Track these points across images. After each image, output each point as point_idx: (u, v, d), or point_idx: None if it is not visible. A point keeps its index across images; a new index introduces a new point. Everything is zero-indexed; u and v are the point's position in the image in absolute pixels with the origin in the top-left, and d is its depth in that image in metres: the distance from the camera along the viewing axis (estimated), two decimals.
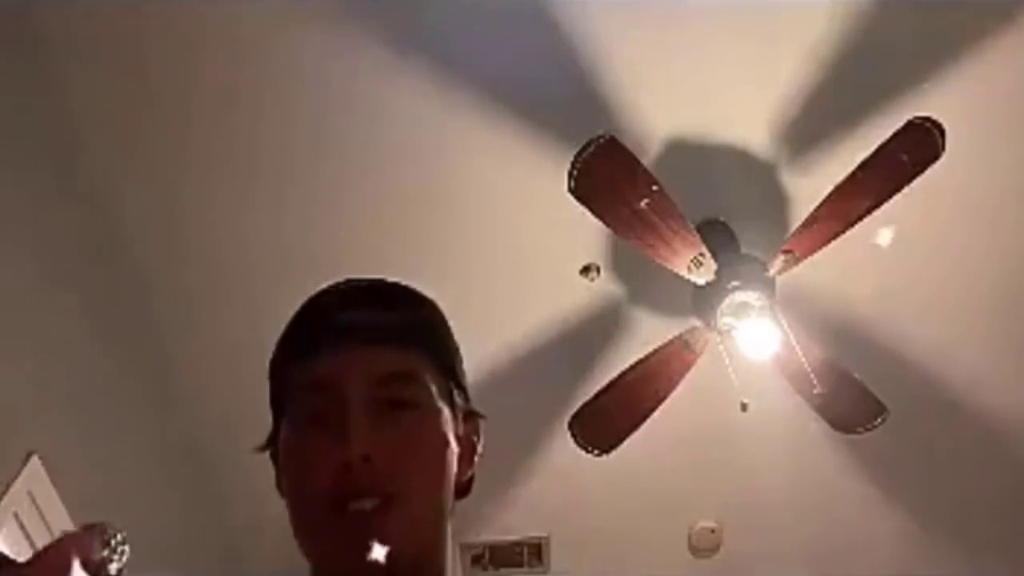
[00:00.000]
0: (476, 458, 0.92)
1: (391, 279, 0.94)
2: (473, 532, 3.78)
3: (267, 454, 0.91)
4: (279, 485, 0.90)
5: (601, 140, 2.52)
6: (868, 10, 2.59)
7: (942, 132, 2.57)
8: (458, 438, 0.89)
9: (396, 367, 0.86)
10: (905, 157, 2.58)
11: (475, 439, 0.93)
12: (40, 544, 2.53)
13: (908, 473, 3.75)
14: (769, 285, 2.88)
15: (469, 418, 0.92)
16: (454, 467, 0.87)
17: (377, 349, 0.86)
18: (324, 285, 0.94)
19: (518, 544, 3.92)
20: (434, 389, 0.88)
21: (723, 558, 4.01)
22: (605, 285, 3.19)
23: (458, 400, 0.91)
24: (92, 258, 2.93)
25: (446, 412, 0.88)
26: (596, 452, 3.13)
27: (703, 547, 4.00)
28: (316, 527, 0.82)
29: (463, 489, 0.90)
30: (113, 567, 0.59)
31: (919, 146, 2.59)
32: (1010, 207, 3.06)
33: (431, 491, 0.85)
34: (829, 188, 2.65)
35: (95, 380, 2.90)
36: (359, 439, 0.81)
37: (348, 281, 0.93)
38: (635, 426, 3.09)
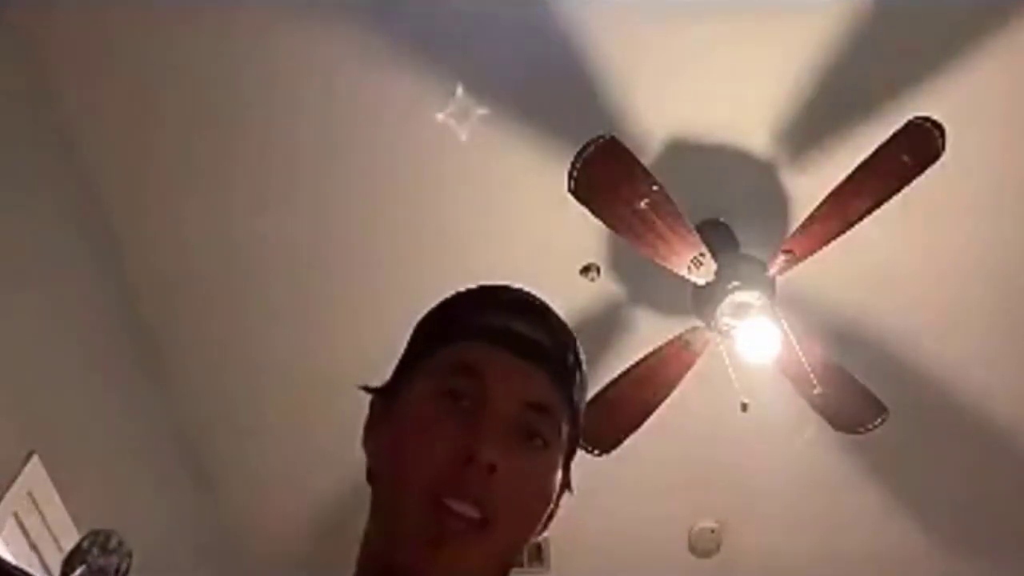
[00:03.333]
0: (549, 523, 0.87)
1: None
2: None
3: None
4: (367, 440, 0.87)
5: (601, 140, 2.52)
6: (868, 10, 2.59)
7: (942, 132, 2.57)
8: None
9: (546, 398, 0.84)
10: (905, 157, 2.58)
11: (557, 507, 0.88)
12: (40, 544, 2.54)
13: (908, 473, 3.75)
14: (769, 285, 2.88)
15: (564, 487, 0.88)
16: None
17: (535, 370, 0.85)
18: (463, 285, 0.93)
19: None
20: (565, 436, 0.86)
21: (723, 558, 4.01)
22: (605, 285, 3.19)
23: (572, 459, 0.89)
24: (92, 259, 2.93)
25: (561, 465, 0.86)
26: (596, 452, 3.13)
27: (703, 547, 4.00)
28: (406, 506, 0.78)
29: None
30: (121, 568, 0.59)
31: (919, 146, 2.58)
32: (1010, 207, 3.06)
33: (521, 533, 0.82)
34: (829, 188, 2.65)
35: (95, 380, 2.90)
36: (494, 446, 0.78)
37: (521, 290, 0.93)
38: (635, 426, 3.09)
